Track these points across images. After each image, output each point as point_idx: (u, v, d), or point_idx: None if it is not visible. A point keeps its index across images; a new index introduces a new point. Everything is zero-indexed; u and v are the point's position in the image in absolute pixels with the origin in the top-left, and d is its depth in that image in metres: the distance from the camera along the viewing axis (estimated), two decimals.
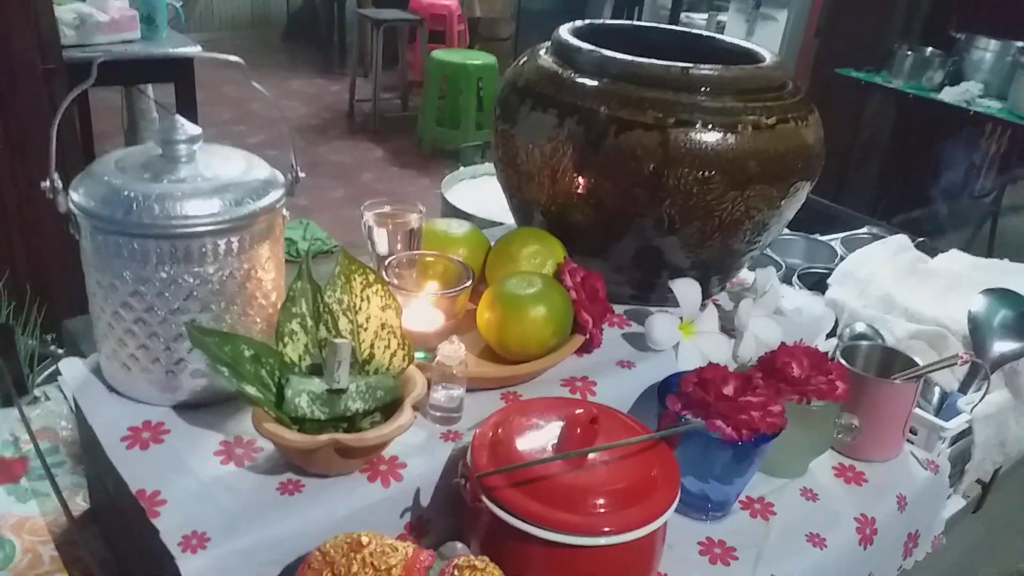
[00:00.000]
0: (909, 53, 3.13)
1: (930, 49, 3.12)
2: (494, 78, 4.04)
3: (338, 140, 4.30)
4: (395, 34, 4.70)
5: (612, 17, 3.71)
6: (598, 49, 0.81)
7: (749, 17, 3.57)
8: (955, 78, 3.07)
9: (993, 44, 3.03)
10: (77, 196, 0.62)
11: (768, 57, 0.86)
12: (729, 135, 0.75)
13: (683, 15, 3.86)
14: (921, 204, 2.97)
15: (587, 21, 0.94)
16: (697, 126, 0.75)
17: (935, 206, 2.81)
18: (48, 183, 0.63)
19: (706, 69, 0.77)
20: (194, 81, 2.26)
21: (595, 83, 0.79)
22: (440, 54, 4.17)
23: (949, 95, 2.96)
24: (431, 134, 4.15)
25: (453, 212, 2.03)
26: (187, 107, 2.28)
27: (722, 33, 3.72)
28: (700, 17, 3.92)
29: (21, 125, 1.76)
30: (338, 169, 3.90)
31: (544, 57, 0.86)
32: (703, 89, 0.77)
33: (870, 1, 3.31)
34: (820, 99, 2.95)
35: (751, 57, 0.88)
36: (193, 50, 2.21)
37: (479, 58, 4.12)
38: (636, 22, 0.98)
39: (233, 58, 0.68)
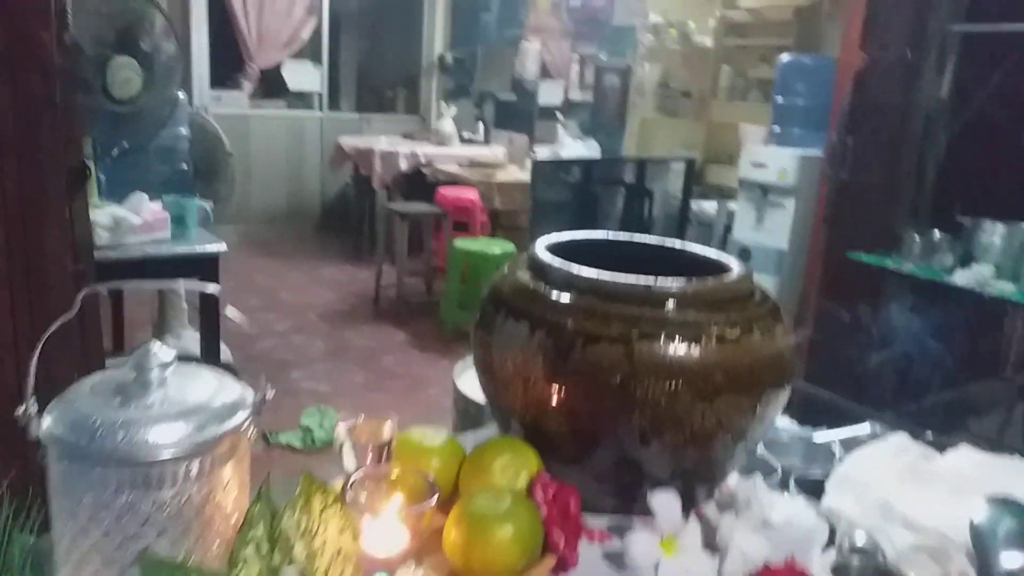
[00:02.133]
0: (917, 237, 3.19)
1: (938, 233, 3.19)
2: None
3: (363, 324, 4.41)
4: (420, 225, 4.94)
5: (624, 207, 3.88)
6: (567, 265, 0.85)
7: (758, 205, 3.71)
8: (966, 260, 3.11)
9: (1000, 227, 3.09)
10: (48, 422, 0.64)
11: (735, 268, 0.89)
12: (694, 347, 0.76)
13: (693, 203, 4.02)
14: (944, 389, 2.91)
15: (564, 235, 0.99)
16: (661, 339, 0.76)
17: (958, 392, 2.76)
18: (23, 409, 0.65)
19: (669, 283, 0.80)
20: (218, 277, 2.37)
21: (564, 297, 0.82)
22: (462, 242, 4.35)
23: (962, 278, 2.99)
24: (453, 317, 4.25)
25: (463, 398, 2.03)
26: (210, 301, 2.38)
27: (732, 221, 3.86)
28: (710, 205, 4.09)
29: (49, 324, 1.84)
30: (361, 353, 3.97)
31: (521, 269, 0.90)
32: (667, 303, 0.79)
33: (874, 187, 3.43)
34: (835, 283, 2.97)
35: (720, 267, 0.91)
36: (217, 247, 2.33)
37: (499, 246, 4.28)
38: (611, 234, 1.02)
39: (212, 287, 0.72)
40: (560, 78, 5.82)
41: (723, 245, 3.94)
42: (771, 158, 3.61)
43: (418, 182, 5.68)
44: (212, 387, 0.68)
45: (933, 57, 3.46)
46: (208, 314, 2.46)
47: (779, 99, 3.78)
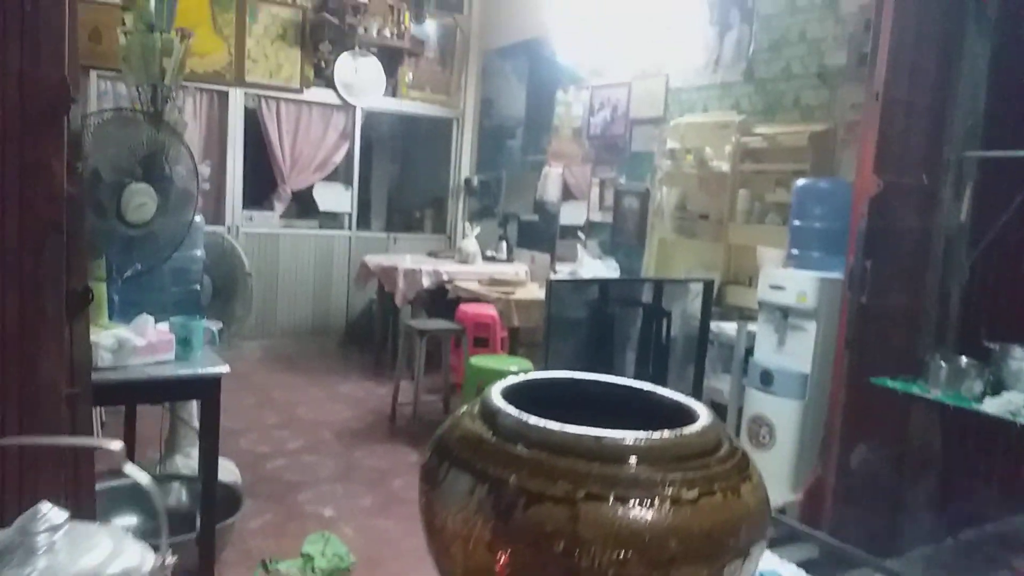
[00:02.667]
0: (944, 363, 3.08)
1: (965, 359, 3.08)
2: None
3: (376, 444, 4.32)
4: (440, 342, 4.92)
5: (642, 328, 3.82)
6: (518, 413, 0.79)
7: (779, 327, 3.63)
8: (996, 387, 2.98)
9: None
10: None
11: (702, 417, 0.83)
12: (645, 511, 0.70)
13: (713, 325, 3.96)
14: (985, 520, 2.73)
15: (528, 375, 0.94)
16: (610, 500, 0.70)
17: (997, 526, 2.58)
18: None
19: (621, 436, 0.74)
20: (219, 400, 2.34)
21: (512, 449, 0.76)
22: (478, 360, 4.30)
23: (992, 406, 2.85)
24: None
25: None
26: (210, 425, 2.34)
27: (753, 343, 3.78)
28: (730, 326, 4.01)
29: (35, 446, 1.82)
30: (371, 475, 3.87)
31: (473, 415, 0.85)
32: (618, 458, 0.73)
33: (896, 311, 3.34)
34: (860, 410, 2.85)
35: (687, 415, 0.85)
36: (219, 370, 2.31)
37: (515, 364, 4.23)
38: (580, 375, 0.97)
39: (115, 445, 0.68)
40: (581, 199, 5.91)
41: (744, 368, 3.84)
42: (790, 281, 3.56)
43: (441, 299, 5.71)
44: (106, 552, 0.63)
45: (950, 182, 3.45)
46: (207, 435, 2.41)
47: (796, 222, 3.76)
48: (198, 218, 2.78)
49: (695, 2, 4.99)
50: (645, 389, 0.94)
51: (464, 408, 0.90)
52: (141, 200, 2.33)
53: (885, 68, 3.21)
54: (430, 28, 6.89)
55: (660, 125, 5.27)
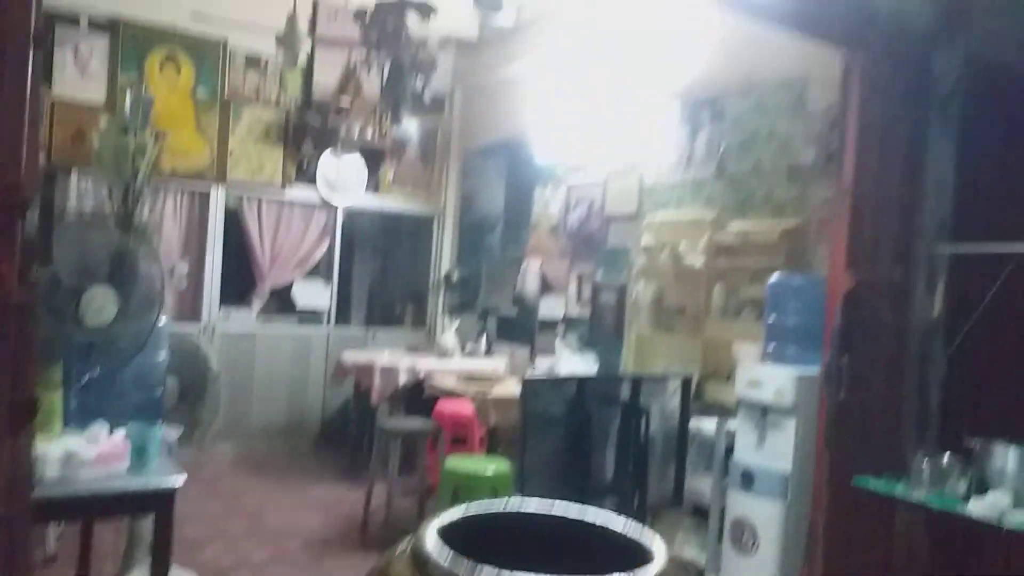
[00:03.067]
0: (926, 461, 3.02)
1: (948, 456, 3.01)
2: (508, 483, 4.01)
3: (346, 553, 4.14)
4: (415, 442, 4.80)
5: (621, 425, 3.74)
6: (449, 562, 0.73)
7: (758, 425, 3.57)
8: (981, 486, 2.90)
9: (1013, 451, 2.92)
10: None
11: (657, 558, 0.76)
12: None
13: (693, 421, 3.88)
14: None
15: (471, 510, 0.88)
16: None
17: None
18: None
19: None
20: (172, 514, 2.22)
21: None
22: (454, 462, 4.18)
23: (978, 508, 2.77)
24: None
25: None
26: (162, 541, 2.22)
27: (733, 441, 3.70)
28: (710, 423, 3.94)
29: None
30: None
31: (405, 559, 0.78)
32: None
33: (875, 408, 3.30)
34: (843, 511, 2.75)
35: (643, 554, 0.79)
36: (174, 482, 2.21)
37: (494, 465, 4.12)
38: (531, 507, 0.90)
39: None
40: (560, 293, 5.91)
41: (725, 468, 3.75)
42: (767, 377, 3.52)
43: (418, 396, 5.61)
44: None
45: (923, 277, 3.47)
46: (159, 553, 2.28)
47: (771, 317, 3.75)
48: (163, 320, 2.72)
49: (667, 104, 5.13)
50: (599, 524, 0.88)
51: (401, 545, 0.83)
52: (100, 304, 2.28)
53: (853, 165, 3.27)
54: (411, 128, 7.03)
55: (635, 221, 5.33)
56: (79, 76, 5.60)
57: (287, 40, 5.19)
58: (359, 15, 4.14)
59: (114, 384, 2.67)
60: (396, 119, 5.60)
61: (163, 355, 2.88)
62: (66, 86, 5.55)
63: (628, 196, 5.45)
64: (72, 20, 5.57)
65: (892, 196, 3.37)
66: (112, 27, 5.70)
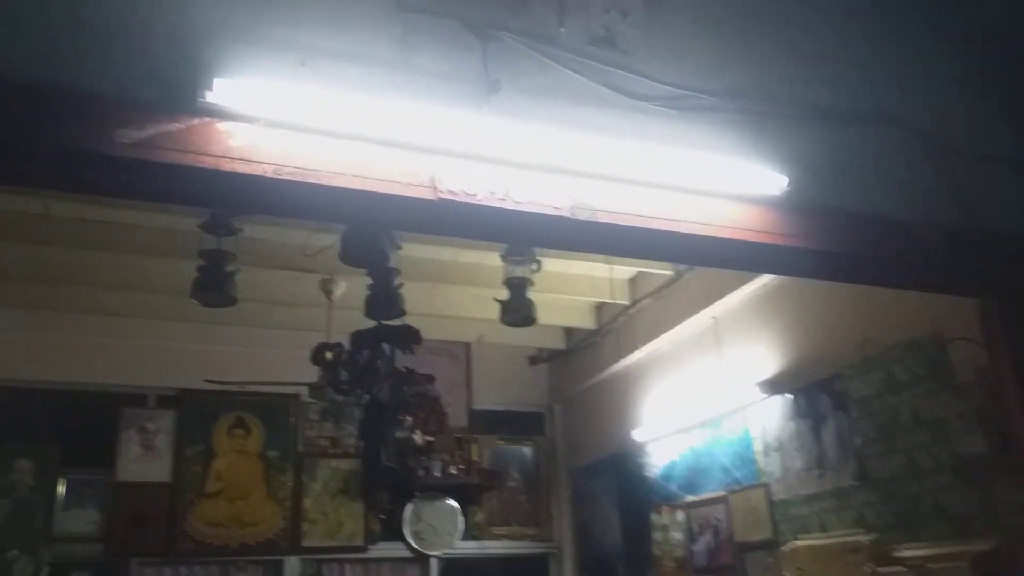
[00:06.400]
0: None
1: None
2: None
3: None
4: None
5: None
6: None
7: None
8: None
9: None
10: None
11: None
12: None
13: None
14: None
15: None
16: None
17: None
18: None
19: None
20: None
21: None
22: None
23: None
24: None
25: None
26: None
27: None
28: None
29: None
30: None
31: None
32: None
33: None
34: None
35: None
36: None
37: None
38: None
39: None
40: None
41: None
42: None
43: None
44: None
45: None
46: None
47: None
48: None
49: (776, 401, 4.06)
50: None
51: None
52: None
53: None
54: (508, 455, 6.23)
55: (772, 550, 3.99)
56: (144, 455, 5.35)
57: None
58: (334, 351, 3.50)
59: None
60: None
61: None
62: (130, 470, 5.28)
63: (758, 518, 4.17)
64: (138, 399, 5.47)
65: None
66: (179, 399, 5.54)
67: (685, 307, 4.82)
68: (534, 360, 6.53)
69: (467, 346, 6.29)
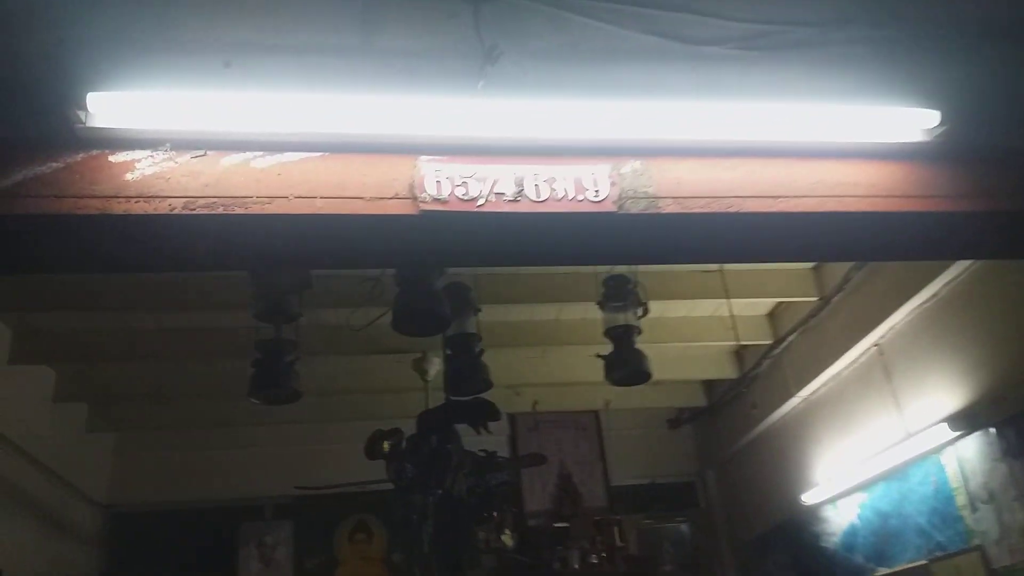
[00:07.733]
0: None
1: None
2: None
3: None
4: None
5: None
6: None
7: None
8: None
9: None
10: None
11: None
12: None
13: None
14: None
15: None
16: None
17: None
18: None
19: None
20: None
21: None
22: None
23: None
24: None
25: None
26: None
27: None
28: None
29: None
30: None
31: None
32: None
33: None
34: None
35: None
36: None
37: None
38: None
39: None
40: None
41: None
42: None
43: None
44: None
45: None
46: None
47: None
48: None
49: (975, 439, 3.17)
50: None
51: None
52: None
53: None
54: (659, 535, 5.45)
55: None
56: (264, 571, 5.02)
57: None
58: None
59: None
60: None
61: None
62: None
63: None
64: (256, 510, 5.18)
65: None
66: (296, 507, 5.20)
67: (841, 338, 4.03)
68: (674, 423, 5.79)
69: (595, 414, 5.63)
